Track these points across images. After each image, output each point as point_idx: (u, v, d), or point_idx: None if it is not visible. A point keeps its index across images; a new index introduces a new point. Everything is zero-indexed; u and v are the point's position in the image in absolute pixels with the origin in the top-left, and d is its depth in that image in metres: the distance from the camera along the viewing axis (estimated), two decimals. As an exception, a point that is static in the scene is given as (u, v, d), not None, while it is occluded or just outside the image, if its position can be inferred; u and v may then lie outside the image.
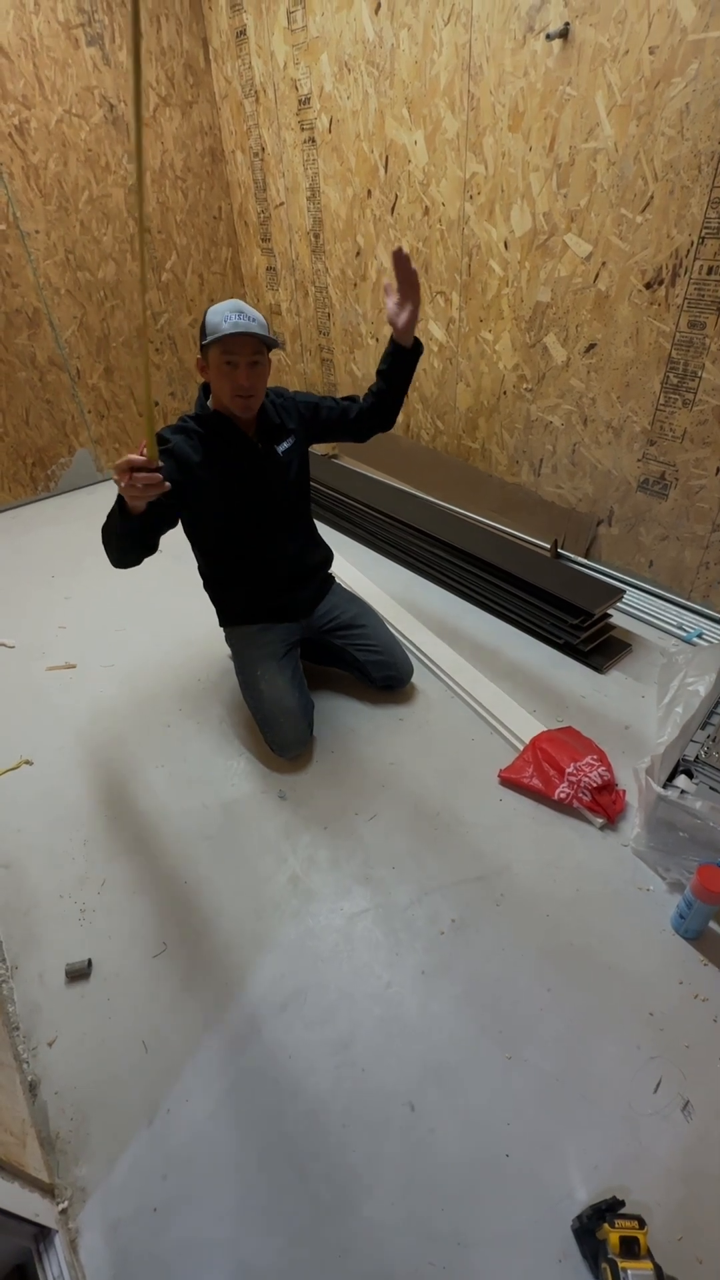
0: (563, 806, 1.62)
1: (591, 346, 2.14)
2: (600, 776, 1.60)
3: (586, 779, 1.59)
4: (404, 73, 2.26)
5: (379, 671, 1.94)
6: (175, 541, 2.87)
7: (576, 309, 2.13)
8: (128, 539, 1.45)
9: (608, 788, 1.60)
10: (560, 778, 1.62)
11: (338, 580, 2.05)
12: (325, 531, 1.98)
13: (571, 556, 2.51)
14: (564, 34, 1.79)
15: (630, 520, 2.31)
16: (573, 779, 1.60)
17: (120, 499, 1.36)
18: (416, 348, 1.64)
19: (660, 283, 1.88)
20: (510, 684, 2.01)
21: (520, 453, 2.59)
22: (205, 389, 1.57)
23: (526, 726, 1.83)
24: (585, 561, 2.48)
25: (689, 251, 1.79)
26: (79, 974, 1.36)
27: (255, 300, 3.62)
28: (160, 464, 1.24)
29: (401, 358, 1.64)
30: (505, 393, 2.51)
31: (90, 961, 1.38)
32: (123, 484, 1.24)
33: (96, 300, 3.17)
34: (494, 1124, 1.11)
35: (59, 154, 2.80)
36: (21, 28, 2.54)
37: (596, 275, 2.02)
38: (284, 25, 2.60)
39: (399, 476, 3.17)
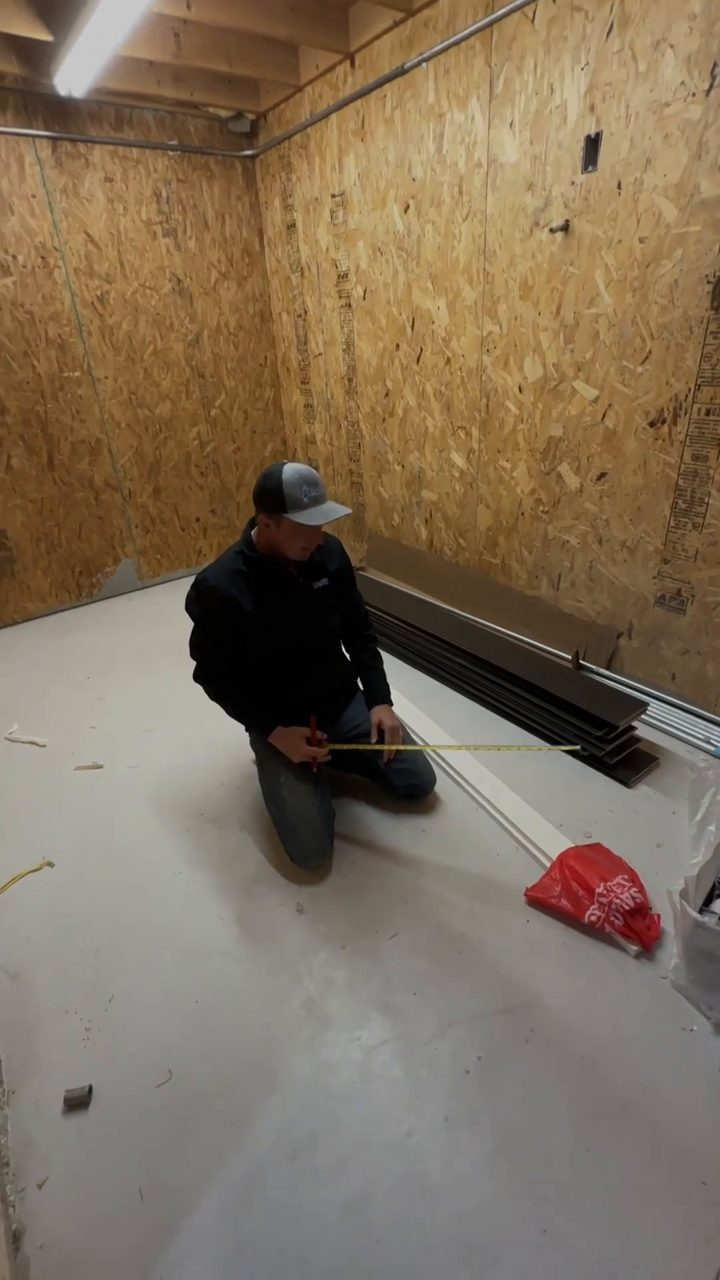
0: (594, 931, 1.53)
1: (603, 475, 2.31)
2: (632, 899, 1.52)
3: (618, 901, 1.52)
4: (429, 255, 2.64)
5: (401, 780, 1.93)
6: (208, 647, 2.90)
7: (587, 443, 2.31)
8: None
9: (641, 911, 1.52)
10: (590, 899, 1.55)
11: (361, 689, 2.11)
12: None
13: (593, 668, 2.54)
14: (565, 228, 2.10)
15: (650, 634, 2.35)
16: (603, 900, 1.53)
17: (259, 728, 1.82)
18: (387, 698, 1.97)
19: (663, 421, 2.06)
20: (535, 796, 1.98)
21: (539, 568, 2.70)
22: (253, 523, 1.70)
23: (553, 842, 1.78)
24: (607, 673, 2.50)
25: (687, 395, 1.97)
26: (78, 1103, 1.27)
27: (293, 430, 4.00)
28: (324, 736, 1.77)
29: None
30: (523, 514, 2.68)
31: (90, 1089, 1.30)
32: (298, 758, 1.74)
33: (152, 432, 3.54)
34: (528, 1317, 0.97)
35: (131, 317, 3.27)
36: (111, 224, 3.07)
37: (604, 414, 2.22)
38: (328, 220, 3.09)
39: (423, 588, 3.31)
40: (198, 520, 3.91)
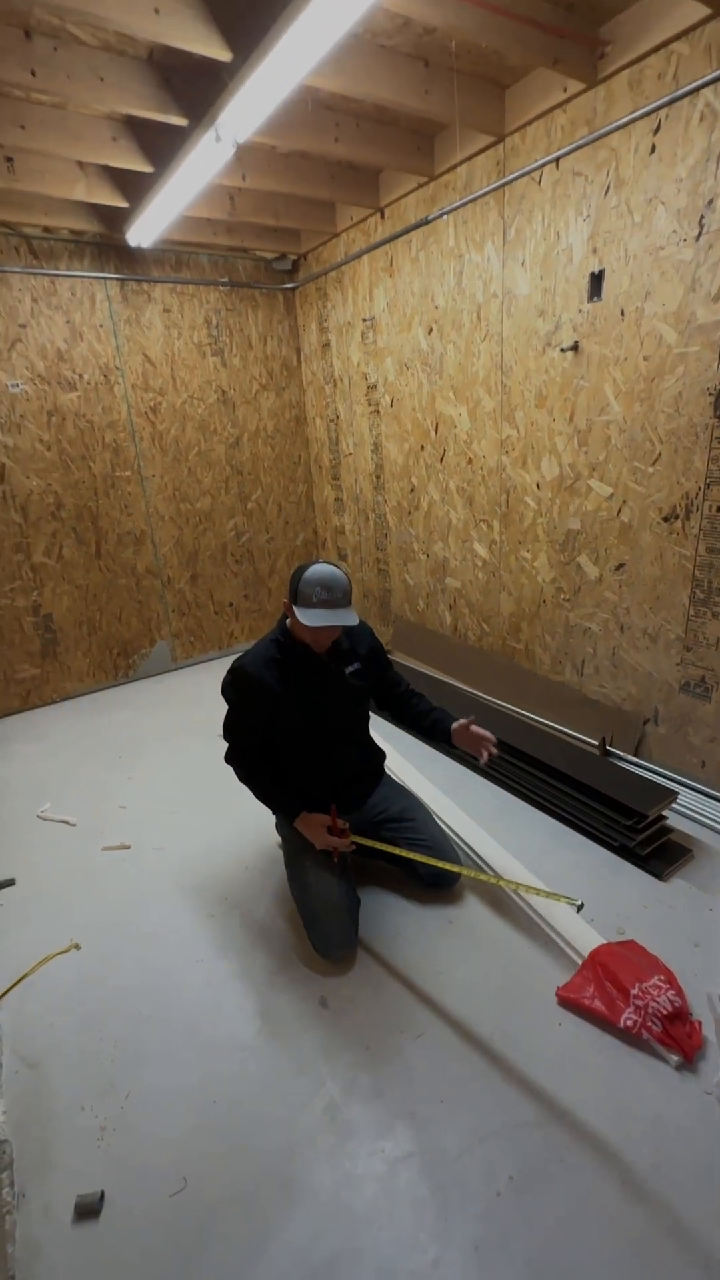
0: (630, 1036, 1.46)
1: (621, 565, 2.40)
2: (670, 1002, 1.46)
3: (655, 1004, 1.45)
4: (450, 370, 2.90)
5: (427, 869, 1.91)
6: (238, 729, 2.95)
7: (604, 535, 2.42)
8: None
9: (680, 1017, 1.45)
10: (625, 1000, 1.48)
11: (388, 773, 2.13)
12: (375, 722, 2.10)
13: (621, 754, 2.52)
14: (575, 348, 2.32)
15: (677, 720, 2.35)
16: (639, 1004, 1.46)
17: (284, 812, 1.86)
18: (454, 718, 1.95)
19: (676, 517, 2.16)
20: (565, 889, 1.93)
21: (562, 654, 2.75)
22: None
23: (584, 937, 1.72)
24: (635, 760, 2.48)
25: (698, 494, 2.08)
26: (89, 1210, 1.22)
27: (324, 521, 4.24)
28: (346, 825, 1.80)
29: (437, 739, 1.95)
30: (545, 601, 2.76)
31: (102, 1195, 1.24)
32: (332, 846, 1.76)
33: (192, 524, 3.80)
34: None
35: (179, 424, 3.60)
36: (167, 346, 3.46)
37: (619, 510, 2.34)
38: (359, 340, 3.43)
39: (448, 672, 3.37)
40: (231, 605, 4.09)
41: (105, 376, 3.32)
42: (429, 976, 1.68)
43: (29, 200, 2.74)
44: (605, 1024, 1.49)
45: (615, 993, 1.51)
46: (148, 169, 2.33)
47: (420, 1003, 1.61)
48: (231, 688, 1.79)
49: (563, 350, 2.36)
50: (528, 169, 2.26)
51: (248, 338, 3.73)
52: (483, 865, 2.05)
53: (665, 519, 2.20)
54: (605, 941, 1.69)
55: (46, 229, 2.98)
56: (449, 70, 2.06)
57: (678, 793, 2.13)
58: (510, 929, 1.82)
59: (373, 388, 3.44)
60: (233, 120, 1.85)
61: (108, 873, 2.18)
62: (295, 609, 1.65)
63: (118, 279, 3.23)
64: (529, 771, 2.42)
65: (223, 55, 1.68)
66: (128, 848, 2.30)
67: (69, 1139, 1.36)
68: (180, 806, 2.53)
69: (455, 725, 1.89)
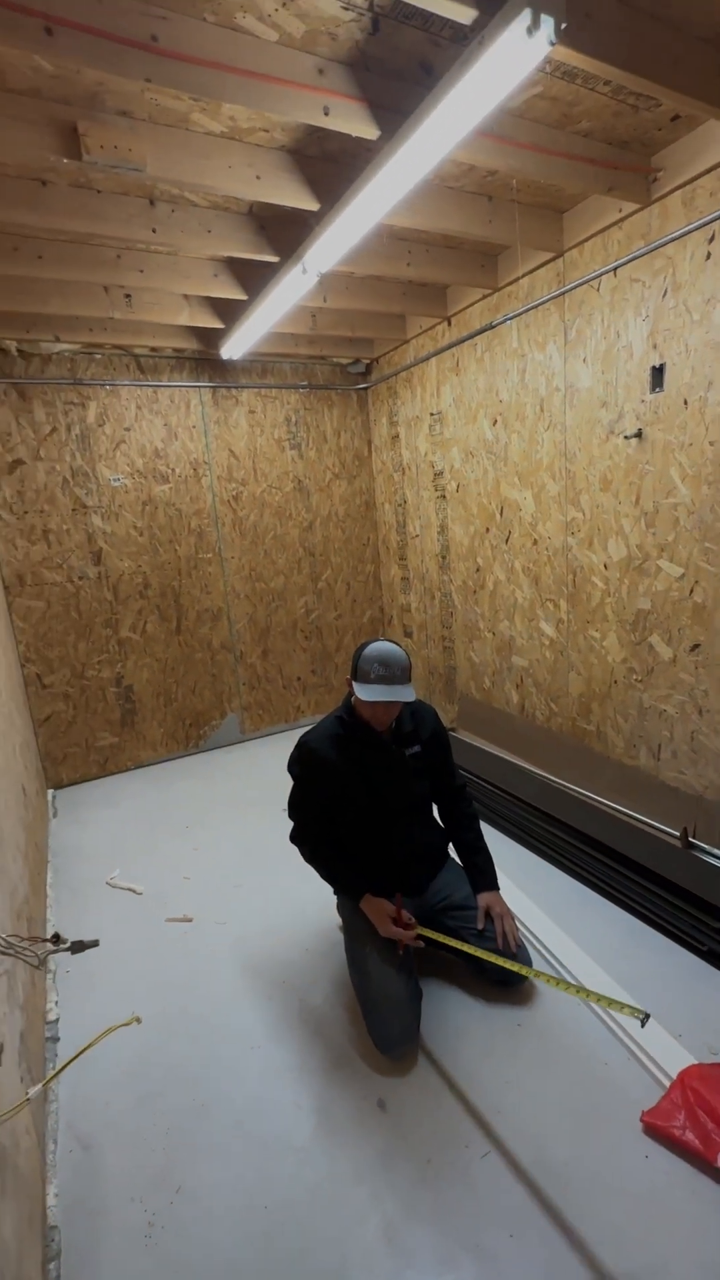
0: (731, 1181, 1.28)
1: (696, 646, 2.32)
2: (776, 1142, 1.28)
3: (757, 1142, 1.28)
4: (515, 457, 3.02)
5: (494, 965, 1.81)
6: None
7: (676, 615, 2.37)
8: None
9: (789, 1161, 1.27)
10: (722, 1135, 1.32)
11: (452, 856, 2.07)
12: (441, 803, 2.06)
13: (705, 847, 2.34)
14: (638, 435, 2.38)
15: (767, 813, 2.18)
16: (739, 1140, 1.30)
17: (349, 892, 1.84)
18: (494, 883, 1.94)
19: (753, 598, 2.10)
20: (648, 998, 1.77)
21: (637, 737, 2.64)
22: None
23: (672, 1055, 1.56)
24: (723, 855, 2.29)
25: (776, 575, 2.03)
26: (133, 1317, 1.16)
27: (390, 600, 4.35)
28: (412, 920, 1.75)
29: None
30: (616, 682, 2.69)
31: (147, 1302, 1.18)
32: (394, 937, 1.72)
33: (266, 601, 4.00)
34: None
35: (258, 510, 3.88)
36: (250, 442, 3.79)
37: (691, 590, 2.30)
38: (426, 432, 3.64)
39: (515, 752, 3.29)
40: (299, 679, 4.21)
41: (194, 470, 3.66)
42: (496, 1086, 1.56)
43: (141, 327, 3.16)
44: (700, 1161, 1.33)
45: (711, 1125, 1.35)
46: (242, 297, 2.66)
47: (487, 1116, 1.49)
48: (297, 763, 1.83)
49: (626, 437, 2.42)
50: (586, 279, 2.42)
51: (323, 432, 4.04)
52: (555, 964, 1.92)
53: (741, 600, 2.14)
54: (696, 1062, 1.52)
55: (153, 349, 3.41)
56: (510, 202, 2.29)
57: (773, 894, 1.95)
58: (587, 1037, 1.67)
59: (439, 475, 3.61)
60: (318, 255, 2.11)
61: (170, 945, 2.18)
62: (354, 684, 1.71)
63: (210, 386, 3.62)
64: (602, 861, 2.29)
65: (311, 206, 1.95)
66: (190, 920, 2.31)
67: (117, 1233, 1.31)
68: (243, 881, 2.54)
69: (486, 898, 1.86)
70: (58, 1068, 1.49)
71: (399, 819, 1.86)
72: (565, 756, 2.99)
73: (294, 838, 1.88)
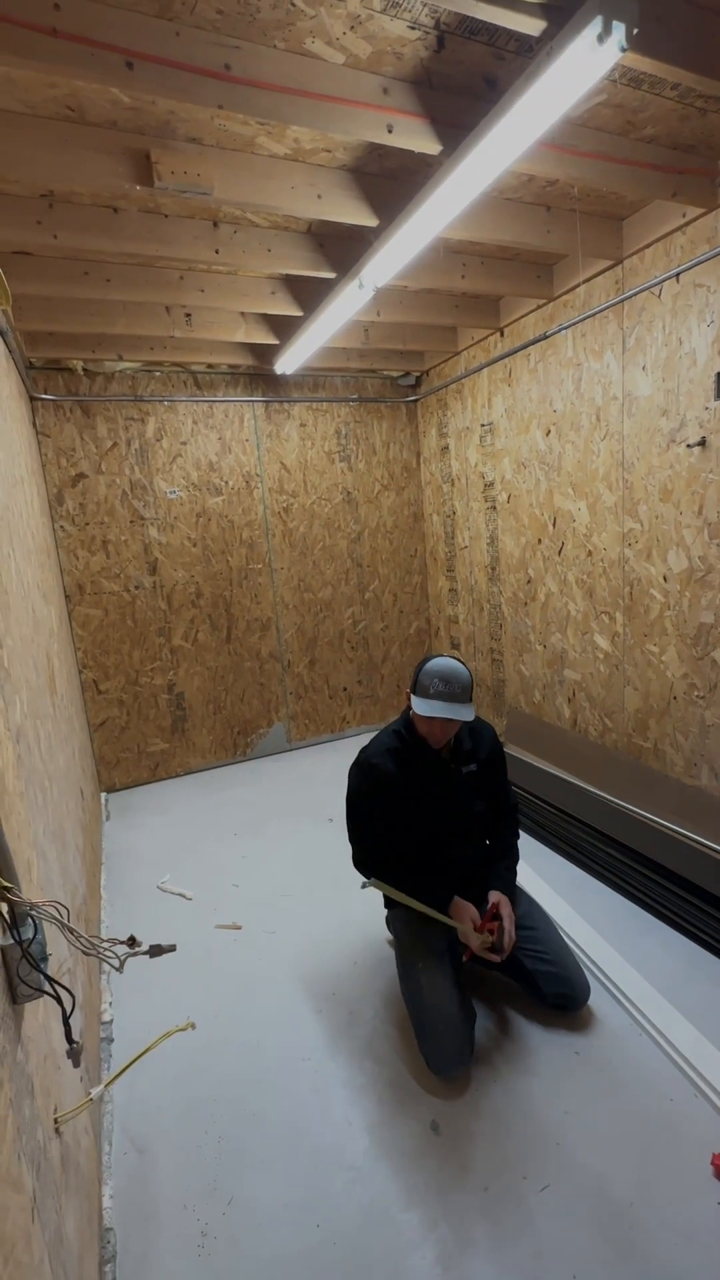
0: None
1: (764, 662, 2.22)
2: None
3: None
4: (569, 467, 2.97)
5: (550, 987, 1.75)
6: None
7: (742, 630, 2.28)
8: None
9: None
10: None
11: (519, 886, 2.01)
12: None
13: (775, 875, 2.22)
14: (702, 443, 2.30)
15: None
16: None
17: (434, 898, 1.74)
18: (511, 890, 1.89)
19: None
20: (710, 1026, 1.68)
21: (698, 755, 2.54)
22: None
23: (744, 1095, 1.47)
24: None
25: None
26: (188, 1327, 1.16)
27: (437, 611, 4.33)
28: (491, 938, 1.70)
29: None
30: (675, 698, 2.59)
31: (201, 1312, 1.18)
32: (471, 942, 1.69)
33: (314, 612, 4.03)
34: None
35: (307, 522, 3.93)
36: (301, 455, 3.85)
37: (759, 604, 2.20)
38: (477, 443, 3.62)
39: (566, 768, 3.20)
40: (344, 690, 4.21)
41: (247, 483, 3.73)
42: (555, 1116, 1.51)
43: (200, 345, 3.26)
44: (778, 1211, 1.25)
45: (789, 1172, 1.26)
46: (298, 314, 2.71)
47: (545, 1147, 1.43)
48: (358, 778, 1.82)
49: (689, 446, 2.35)
50: (648, 285, 2.37)
51: (372, 445, 4.06)
52: (613, 990, 1.85)
53: None
54: (771, 1103, 1.43)
55: (210, 365, 3.51)
56: (570, 211, 2.27)
57: None
58: (649, 1070, 1.60)
59: (489, 486, 3.58)
60: (374, 270, 2.14)
61: (220, 952, 2.20)
62: (413, 698, 1.69)
63: (264, 401, 3.69)
64: (660, 883, 2.19)
65: (370, 222, 1.98)
66: (239, 928, 2.33)
67: (170, 1240, 1.32)
68: (291, 890, 2.54)
69: (497, 895, 1.80)
70: (116, 1070, 1.51)
71: (454, 837, 1.83)
72: (620, 773, 2.89)
73: (358, 862, 1.84)
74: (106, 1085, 1.41)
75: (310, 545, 3.96)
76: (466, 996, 1.72)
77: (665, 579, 2.55)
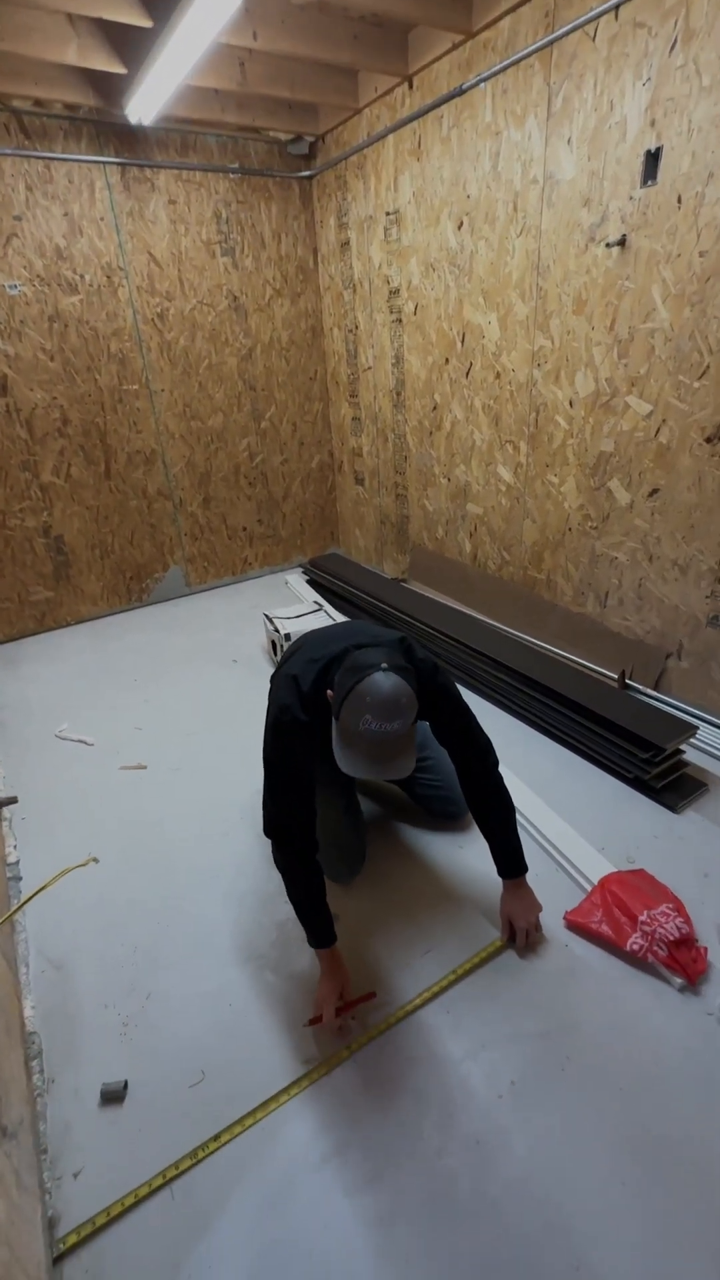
0: (636, 960, 1.49)
1: (655, 491, 2.26)
2: (677, 929, 1.47)
3: (662, 930, 1.47)
4: (481, 271, 2.65)
5: (438, 806, 1.92)
6: (252, 655, 3.03)
7: (639, 458, 2.27)
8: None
9: (686, 943, 1.47)
10: (632, 926, 1.50)
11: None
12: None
13: (640, 688, 2.48)
14: (622, 243, 2.09)
15: (701, 655, 2.28)
16: (646, 929, 1.48)
17: (315, 937, 1.43)
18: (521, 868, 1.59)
19: (720, 438, 2.01)
20: (577, 818, 1.94)
21: (585, 585, 2.66)
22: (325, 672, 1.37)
23: (594, 865, 1.74)
24: (655, 694, 2.44)
25: (747, 412, 1.92)
26: (114, 1096, 1.30)
27: (340, 443, 4.05)
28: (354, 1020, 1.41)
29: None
30: (570, 529, 2.64)
31: (126, 1084, 1.33)
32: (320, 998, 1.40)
33: (204, 443, 3.64)
34: None
35: (189, 333, 3.38)
36: (173, 244, 3.20)
37: (657, 430, 2.18)
38: (381, 238, 3.14)
39: (466, 602, 3.30)
40: (244, 529, 3.99)
41: (109, 278, 3.09)
42: (438, 894, 1.72)
43: (17, 66, 2.45)
44: (612, 948, 1.52)
45: (623, 919, 1.53)
46: (146, 23, 2.05)
47: (429, 922, 1.65)
48: (274, 736, 1.41)
49: (608, 246, 2.12)
50: (582, 20, 1.95)
51: (260, 235, 3.44)
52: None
53: (708, 440, 2.04)
54: (615, 870, 1.70)
55: (38, 102, 2.69)
56: None
57: (697, 727, 2.10)
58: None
59: (395, 293, 3.18)
60: (242, -45, 1.60)
61: (125, 792, 2.22)
62: (335, 735, 1.27)
63: (118, 163, 2.94)
64: (544, 703, 2.39)
65: None
66: (144, 768, 2.34)
67: (94, 1033, 1.44)
68: (195, 729, 2.56)
69: (511, 900, 1.57)
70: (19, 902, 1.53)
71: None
72: (515, 605, 3.01)
73: (268, 831, 1.43)
74: (7, 918, 1.42)
75: (194, 363, 3.46)
76: (359, 820, 1.83)
77: (571, 404, 2.45)
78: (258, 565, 4.14)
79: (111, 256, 3.07)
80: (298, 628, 2.79)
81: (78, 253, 2.98)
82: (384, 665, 1.21)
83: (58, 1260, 1.08)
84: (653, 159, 1.93)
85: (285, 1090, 1.30)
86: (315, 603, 3.32)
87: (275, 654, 2.88)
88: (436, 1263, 1.04)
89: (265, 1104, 1.27)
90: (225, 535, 3.94)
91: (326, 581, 3.66)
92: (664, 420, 2.15)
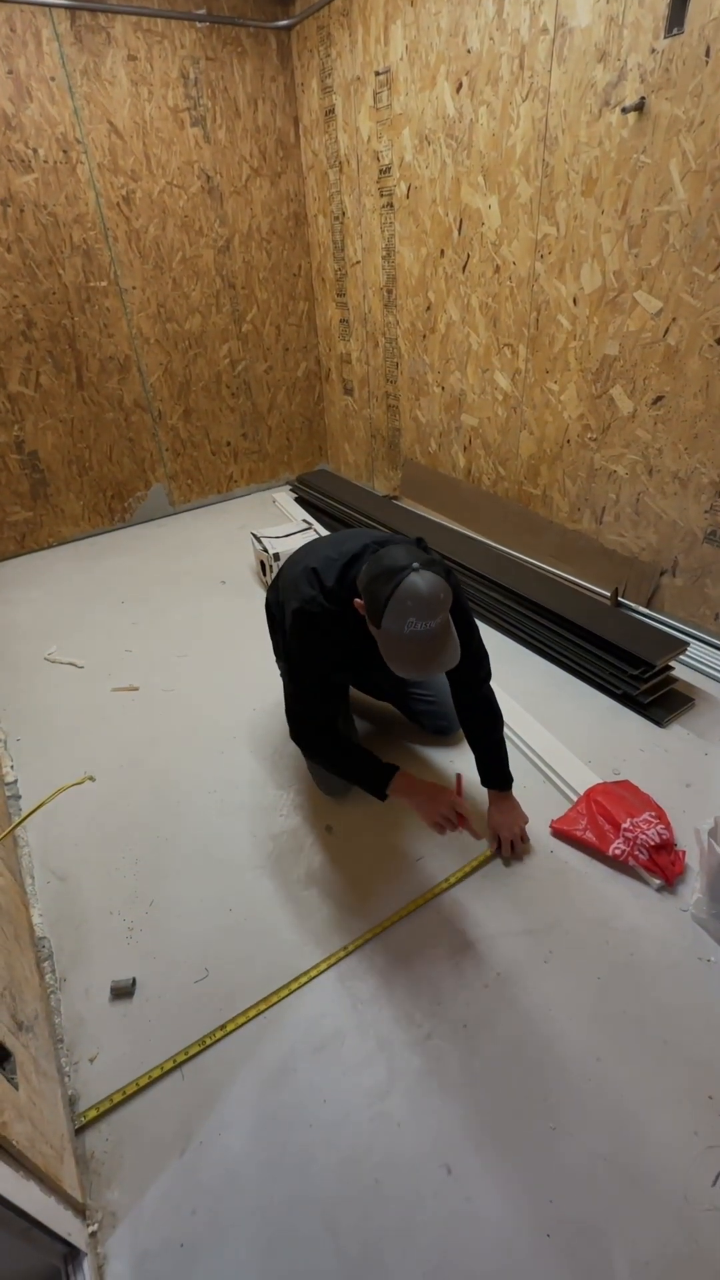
0: (618, 864, 1.56)
1: (659, 399, 2.15)
2: (658, 835, 1.53)
3: (643, 836, 1.53)
4: (481, 144, 2.38)
5: (431, 721, 1.94)
6: (240, 576, 2.98)
7: (645, 362, 2.14)
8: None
9: (666, 847, 1.54)
10: (615, 833, 1.56)
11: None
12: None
13: (633, 606, 2.46)
14: (639, 107, 1.86)
15: (695, 572, 2.26)
16: (629, 835, 1.54)
17: (374, 780, 1.46)
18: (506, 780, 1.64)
19: (733, 338, 1.88)
20: (566, 732, 1.97)
21: (582, 500, 2.58)
22: (343, 581, 1.41)
23: (581, 777, 1.79)
24: (647, 611, 2.43)
25: (763, 308, 1.79)
26: (123, 992, 1.38)
27: (328, 349, 3.80)
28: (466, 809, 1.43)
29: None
30: (569, 441, 2.53)
31: (134, 980, 1.40)
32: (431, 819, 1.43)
33: (182, 349, 3.40)
34: (535, 1200, 1.05)
35: (159, 220, 3.07)
36: (136, 113, 2.84)
37: (666, 330, 2.04)
38: (370, 105, 2.80)
39: (458, 519, 3.21)
40: (228, 444, 3.81)
41: (65, 153, 2.76)
42: (430, 809, 1.77)
43: None
44: (595, 853, 1.59)
45: (607, 826, 1.59)
46: None
47: (421, 832, 1.70)
48: (295, 634, 1.46)
49: (624, 111, 1.90)
50: None
51: (234, 101, 3.05)
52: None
53: (719, 341, 1.92)
54: (601, 781, 1.75)
55: None
56: None
57: (688, 644, 2.11)
58: (512, 766, 1.88)
59: (385, 172, 2.88)
60: None
61: (117, 713, 2.23)
62: (379, 635, 1.26)
63: (67, 6, 2.55)
64: (537, 621, 2.38)
65: None
66: (136, 689, 2.34)
67: (101, 937, 1.51)
68: (187, 650, 2.54)
69: (496, 812, 1.63)
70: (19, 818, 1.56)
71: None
72: (509, 522, 2.94)
73: (297, 734, 1.54)
74: (8, 833, 1.45)
75: (166, 255, 3.16)
76: (354, 735, 1.87)
77: (575, 301, 2.28)
78: (244, 483, 3.99)
79: (67, 126, 2.72)
80: (287, 547, 2.72)
81: (28, 120, 2.64)
82: (415, 565, 1.22)
83: (80, 1131, 1.18)
84: (681, 1, 1.69)
85: (285, 985, 1.38)
86: (304, 521, 3.23)
87: (265, 574, 2.83)
88: (426, 1127, 1.15)
89: (267, 997, 1.36)
90: (209, 451, 3.76)
91: (315, 499, 3.54)
92: (674, 319, 2.01)
